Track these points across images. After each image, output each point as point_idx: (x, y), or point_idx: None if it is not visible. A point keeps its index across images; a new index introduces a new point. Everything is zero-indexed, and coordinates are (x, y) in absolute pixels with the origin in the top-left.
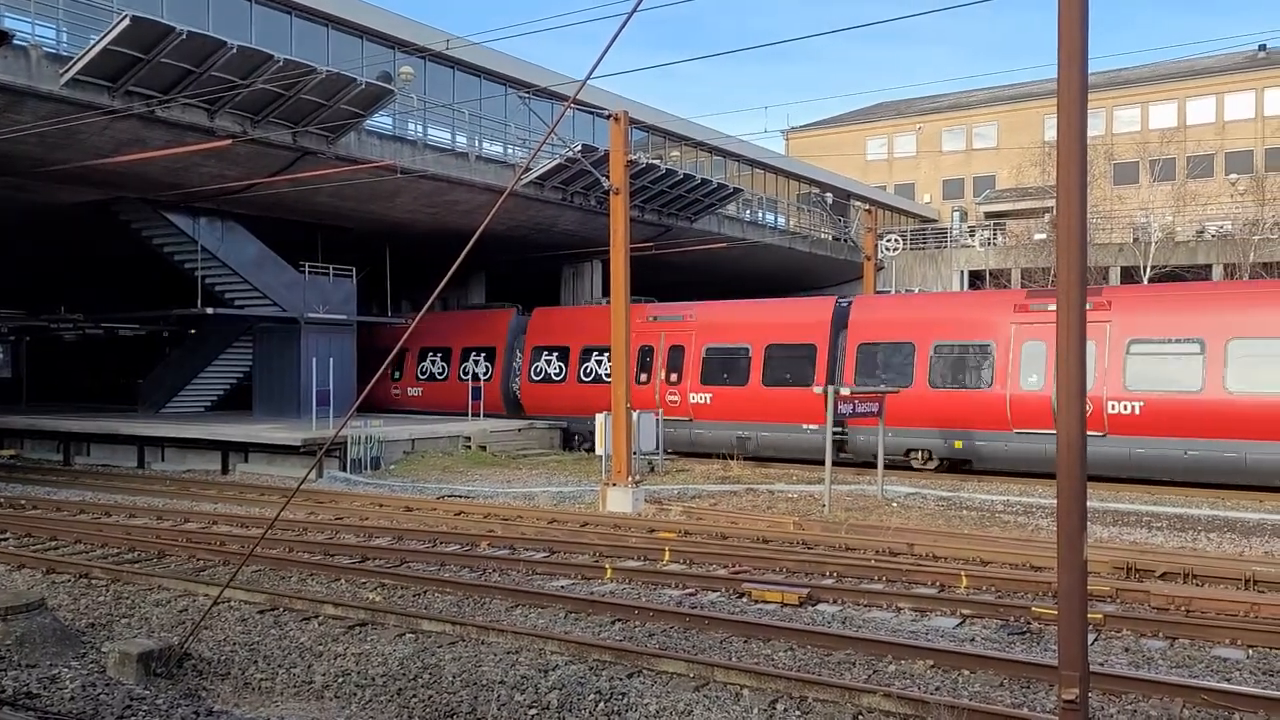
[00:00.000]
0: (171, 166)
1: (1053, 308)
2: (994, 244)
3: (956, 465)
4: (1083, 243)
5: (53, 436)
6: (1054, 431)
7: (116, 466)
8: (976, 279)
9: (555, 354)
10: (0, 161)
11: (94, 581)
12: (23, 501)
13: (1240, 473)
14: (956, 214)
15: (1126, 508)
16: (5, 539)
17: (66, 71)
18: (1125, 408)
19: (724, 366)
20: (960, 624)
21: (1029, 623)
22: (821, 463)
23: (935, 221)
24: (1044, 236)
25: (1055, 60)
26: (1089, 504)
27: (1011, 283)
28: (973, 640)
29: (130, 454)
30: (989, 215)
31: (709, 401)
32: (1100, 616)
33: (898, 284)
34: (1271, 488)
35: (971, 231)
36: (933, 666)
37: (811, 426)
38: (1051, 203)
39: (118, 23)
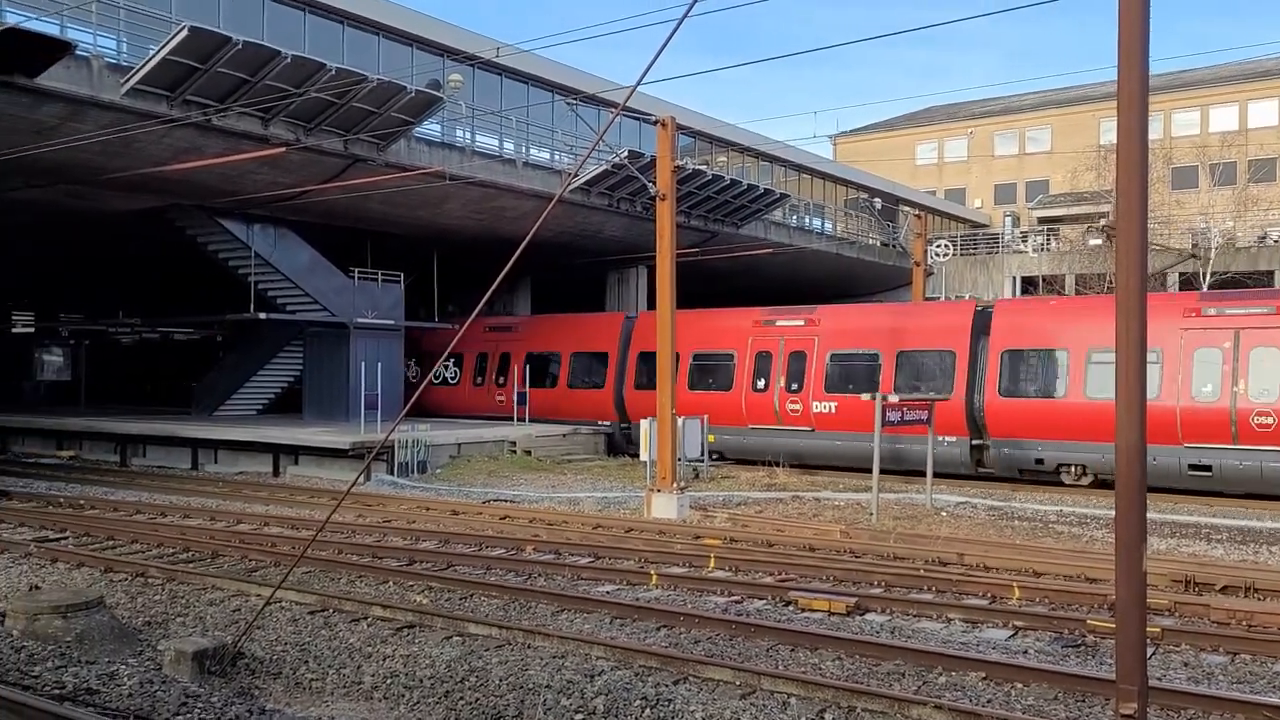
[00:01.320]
0: (226, 174)
1: (780, 323)
2: (1047, 249)
3: (721, 457)
4: (1143, 251)
5: (110, 438)
6: (777, 426)
7: (171, 468)
8: (1029, 285)
9: (412, 360)
10: (62, 170)
11: (150, 580)
12: (81, 501)
13: (902, 461)
14: (1009, 219)
15: (1185, 519)
16: (65, 538)
17: (127, 81)
18: (827, 408)
19: (543, 371)
20: (1013, 636)
21: (1084, 636)
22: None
23: (987, 227)
24: (1099, 242)
25: (1109, 62)
26: (1147, 515)
27: (1066, 289)
28: (1026, 653)
29: (184, 456)
30: (1042, 220)
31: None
32: (1158, 630)
33: (948, 290)
34: (918, 472)
35: (1024, 237)
36: (984, 679)
37: (604, 423)
38: (1107, 207)
39: (176, 33)
